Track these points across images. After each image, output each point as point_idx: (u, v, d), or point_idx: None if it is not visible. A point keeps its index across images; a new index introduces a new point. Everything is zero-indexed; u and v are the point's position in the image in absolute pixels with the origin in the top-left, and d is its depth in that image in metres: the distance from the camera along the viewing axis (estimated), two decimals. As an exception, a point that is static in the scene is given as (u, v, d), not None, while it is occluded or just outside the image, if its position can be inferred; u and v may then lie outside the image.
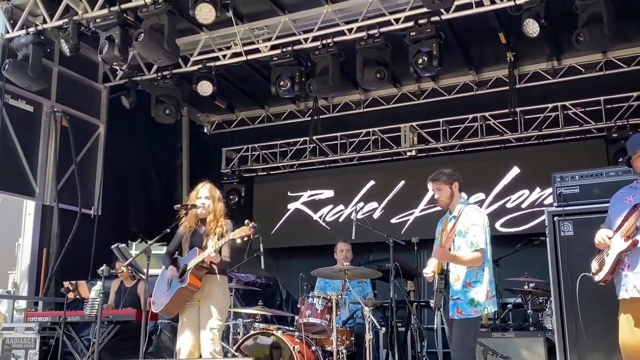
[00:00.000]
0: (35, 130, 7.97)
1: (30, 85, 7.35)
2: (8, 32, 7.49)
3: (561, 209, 5.17)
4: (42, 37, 7.27)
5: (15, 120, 7.60)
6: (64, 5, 7.21)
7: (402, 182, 9.46)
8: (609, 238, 3.95)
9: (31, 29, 7.24)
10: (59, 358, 6.21)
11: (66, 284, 6.68)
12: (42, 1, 7.32)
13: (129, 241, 9.55)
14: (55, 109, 8.12)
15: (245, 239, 4.67)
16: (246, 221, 4.61)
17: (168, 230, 4.94)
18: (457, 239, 4.51)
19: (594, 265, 4.08)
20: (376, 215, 9.50)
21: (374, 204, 9.59)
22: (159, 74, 8.24)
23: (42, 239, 7.89)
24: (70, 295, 6.57)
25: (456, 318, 4.43)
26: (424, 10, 6.71)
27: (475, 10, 6.81)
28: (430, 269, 4.61)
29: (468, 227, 4.51)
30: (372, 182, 9.69)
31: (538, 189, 8.67)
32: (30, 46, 7.16)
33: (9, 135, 7.53)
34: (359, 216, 8.21)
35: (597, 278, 4.03)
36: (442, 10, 6.80)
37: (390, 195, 9.50)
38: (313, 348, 5.64)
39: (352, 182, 9.86)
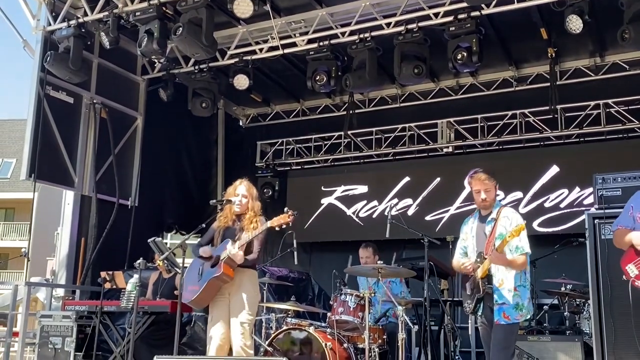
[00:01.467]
0: (75, 121, 8.13)
1: (70, 78, 7.50)
2: (50, 25, 7.63)
3: (602, 211, 5.07)
4: (83, 30, 7.41)
5: (55, 111, 7.76)
6: (105, -3, 7.33)
7: (438, 179, 9.38)
8: None
9: (72, 22, 7.37)
10: (95, 346, 6.37)
11: (103, 274, 6.82)
12: (83, -6, 7.45)
13: (164, 232, 9.70)
14: (94, 101, 8.27)
15: (284, 226, 4.68)
16: (285, 209, 4.63)
17: (204, 225, 5.01)
18: (498, 242, 4.43)
19: (633, 269, 3.96)
20: (410, 212, 9.44)
21: (409, 201, 9.52)
22: (196, 67, 8.32)
23: (81, 229, 8.06)
24: (107, 285, 6.71)
25: (503, 323, 4.38)
26: (464, 5, 6.64)
27: (516, 5, 6.71)
28: (468, 261, 4.55)
29: (509, 230, 4.42)
30: (407, 179, 9.62)
31: (578, 189, 8.50)
32: (71, 39, 7.31)
33: (50, 126, 7.69)
34: (393, 212, 8.19)
35: None
36: (483, 5, 6.71)
37: (425, 192, 9.43)
38: (345, 345, 5.65)
39: (386, 178, 9.81)
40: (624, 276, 4.07)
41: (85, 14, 7.46)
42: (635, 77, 8.40)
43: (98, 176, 8.17)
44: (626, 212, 4.20)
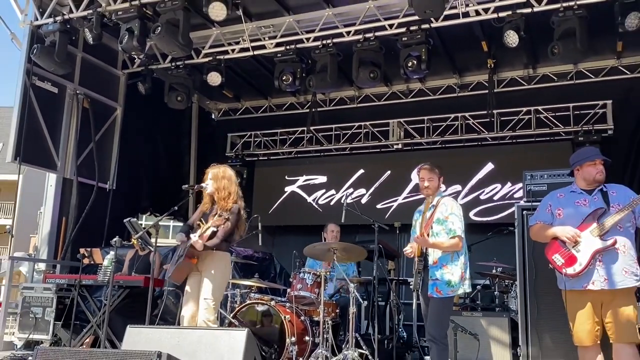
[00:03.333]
0: (58, 110, 7.87)
1: (55, 69, 7.27)
2: (37, 20, 7.37)
3: (530, 204, 5.17)
4: (68, 26, 7.18)
5: (41, 100, 7.51)
6: (89, -3, 7.11)
7: (389, 172, 9.45)
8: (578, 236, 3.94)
9: (58, 18, 7.15)
10: (73, 316, 6.22)
11: (82, 250, 6.66)
12: (69, -8, 7.21)
13: (140, 214, 9.51)
14: (77, 92, 8.03)
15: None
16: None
17: (176, 208, 4.96)
18: (435, 226, 4.51)
19: (559, 258, 4.01)
20: (364, 200, 9.49)
21: (362, 191, 9.58)
22: (173, 64, 8.15)
23: (62, 209, 7.85)
24: (86, 260, 6.55)
25: (435, 297, 4.43)
26: (416, 18, 6.64)
27: (461, 20, 6.77)
28: (410, 246, 4.62)
29: (447, 216, 4.51)
30: (361, 171, 9.66)
31: (509, 184, 8.69)
32: (57, 33, 7.08)
33: (35, 114, 7.44)
34: (349, 201, 8.19)
35: (571, 271, 3.93)
36: (432, 19, 6.75)
37: (377, 183, 9.49)
38: (302, 318, 5.66)
39: (343, 170, 9.83)
40: (549, 265, 4.10)
41: (71, 11, 7.23)
42: (562, 87, 8.58)
43: (79, 161, 7.95)
44: (544, 209, 4.25)
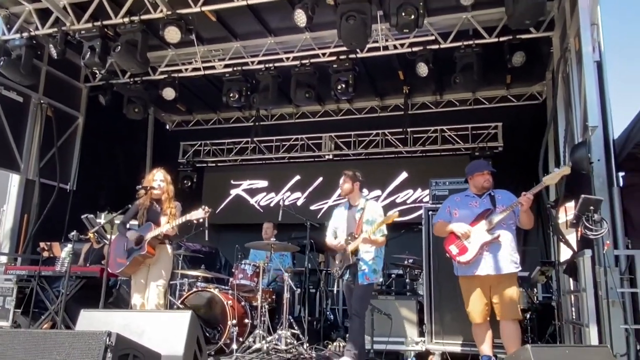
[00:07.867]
0: (23, 117, 7.43)
1: (21, 80, 6.86)
2: (4, 35, 6.94)
3: (434, 205, 5.37)
4: (34, 42, 6.80)
5: (6, 108, 7.06)
6: (55, 17, 6.76)
7: (321, 178, 9.50)
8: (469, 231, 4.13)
9: (25, 34, 6.76)
10: (32, 305, 5.88)
11: (42, 244, 6.31)
12: (36, 11, 6.83)
13: (98, 212, 9.08)
14: (42, 101, 7.61)
15: (201, 220, 4.58)
16: (203, 206, 4.51)
17: (130, 206, 4.79)
18: (364, 226, 4.59)
19: (454, 248, 4.20)
20: (299, 202, 9.51)
21: (298, 194, 9.60)
22: (132, 79, 7.90)
23: (24, 207, 7.37)
24: (45, 253, 6.21)
25: (365, 283, 4.52)
26: (344, 48, 6.74)
27: (382, 52, 6.95)
28: (339, 241, 4.70)
29: (375, 218, 4.60)
30: (297, 177, 9.69)
31: (419, 190, 8.95)
32: (23, 48, 6.69)
33: (1, 120, 6.99)
34: (286, 203, 8.20)
35: (463, 259, 4.12)
36: (358, 50, 6.89)
37: (311, 188, 9.53)
38: (242, 303, 5.61)
39: (282, 176, 9.81)
40: (447, 254, 4.29)
41: (37, 28, 6.84)
42: (462, 111, 8.89)
43: (42, 164, 7.51)
44: (444, 209, 4.46)
